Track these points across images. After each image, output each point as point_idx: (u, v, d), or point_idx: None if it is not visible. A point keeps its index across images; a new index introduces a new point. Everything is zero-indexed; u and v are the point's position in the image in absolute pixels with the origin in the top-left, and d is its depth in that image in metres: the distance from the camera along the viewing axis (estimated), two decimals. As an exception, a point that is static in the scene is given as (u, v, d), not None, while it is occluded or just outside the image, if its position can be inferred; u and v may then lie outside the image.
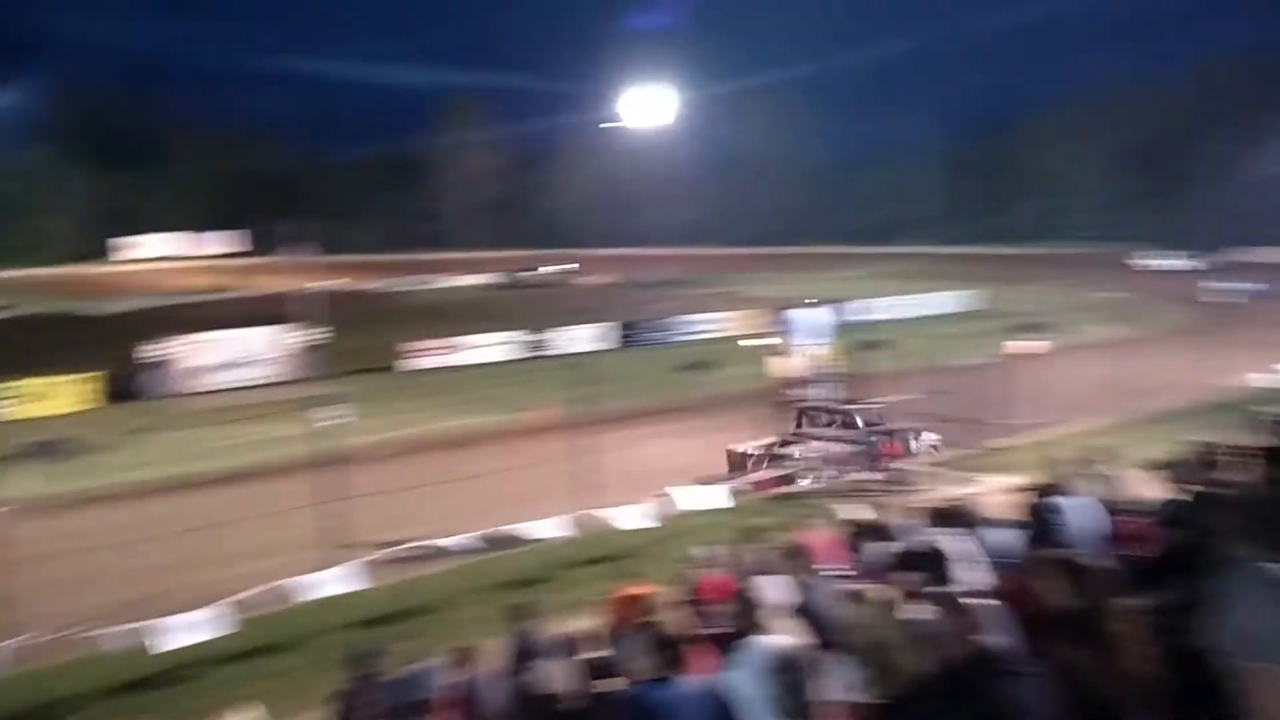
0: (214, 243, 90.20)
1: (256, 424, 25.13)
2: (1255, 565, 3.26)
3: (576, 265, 71.94)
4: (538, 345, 36.69)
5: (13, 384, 28.01)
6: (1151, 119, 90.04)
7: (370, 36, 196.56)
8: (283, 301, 44.55)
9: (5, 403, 27.19)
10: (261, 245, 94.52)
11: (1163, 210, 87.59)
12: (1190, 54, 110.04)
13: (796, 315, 18.79)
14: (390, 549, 12.65)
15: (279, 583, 11.13)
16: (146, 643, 10.02)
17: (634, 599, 7.82)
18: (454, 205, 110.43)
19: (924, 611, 3.33)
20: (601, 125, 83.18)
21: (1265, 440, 6.34)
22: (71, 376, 28.86)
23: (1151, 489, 8.20)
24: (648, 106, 76.64)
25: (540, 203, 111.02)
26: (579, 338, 37.24)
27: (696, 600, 7.49)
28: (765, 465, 17.75)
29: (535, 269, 70.72)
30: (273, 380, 30.87)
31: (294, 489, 17.51)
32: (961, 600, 3.34)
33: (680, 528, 14.32)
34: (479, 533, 13.81)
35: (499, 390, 29.95)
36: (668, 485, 15.91)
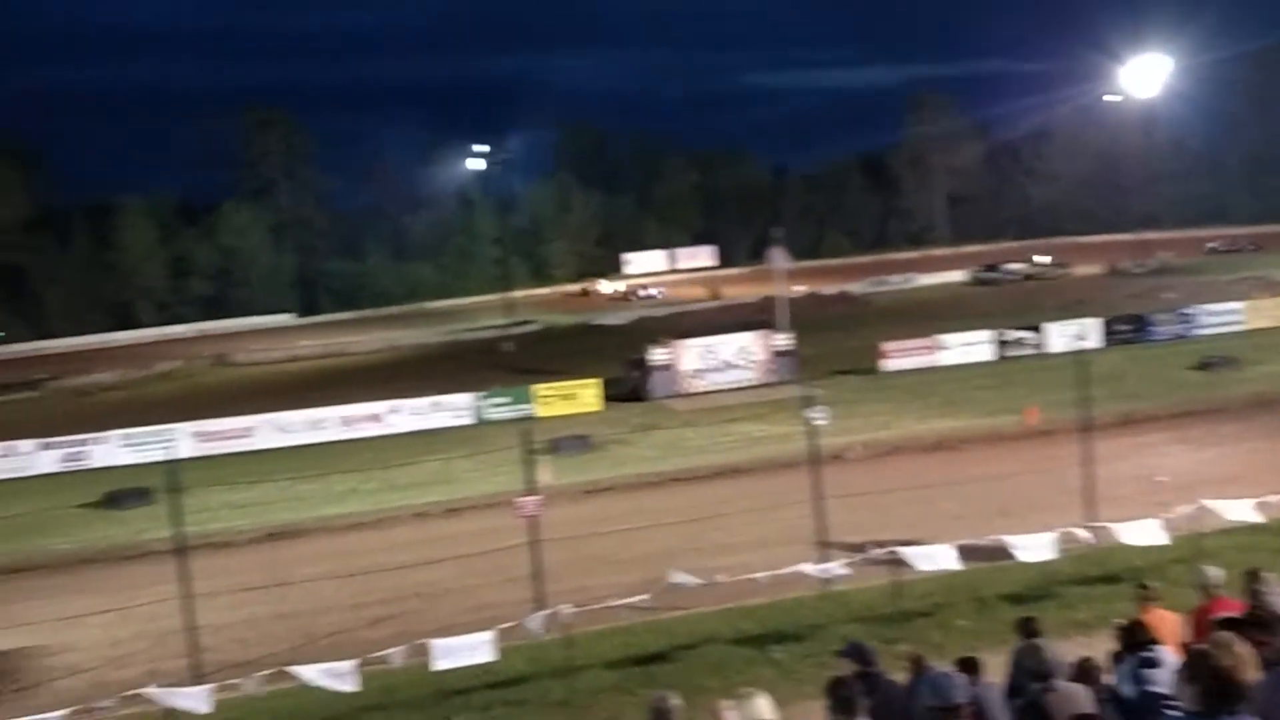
0: (697, 256, 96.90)
1: (744, 423, 26.55)
2: None
3: (1057, 256, 67.06)
4: (1019, 343, 34.74)
5: (544, 386, 32.39)
6: None
7: (834, 43, 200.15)
8: (764, 307, 46.77)
9: (541, 401, 31.48)
10: (744, 255, 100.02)
11: None
12: None
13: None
14: (880, 549, 12.66)
15: (781, 571, 11.64)
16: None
17: (1154, 624, 7.11)
18: (928, 201, 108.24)
19: None
20: (1097, 100, 76.71)
21: None
22: (586, 380, 32.67)
23: None
24: (1141, 78, 69.28)
25: (1020, 191, 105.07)
26: (1065, 334, 34.63)
27: (1249, 626, 6.59)
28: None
29: (1016, 261, 67.04)
30: (757, 382, 32.45)
31: (780, 485, 18.29)
32: None
33: (1205, 547, 12.70)
34: (968, 540, 13.36)
35: (978, 392, 28.83)
36: (1184, 499, 14.19)
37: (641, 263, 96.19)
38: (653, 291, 77.53)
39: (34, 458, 29.27)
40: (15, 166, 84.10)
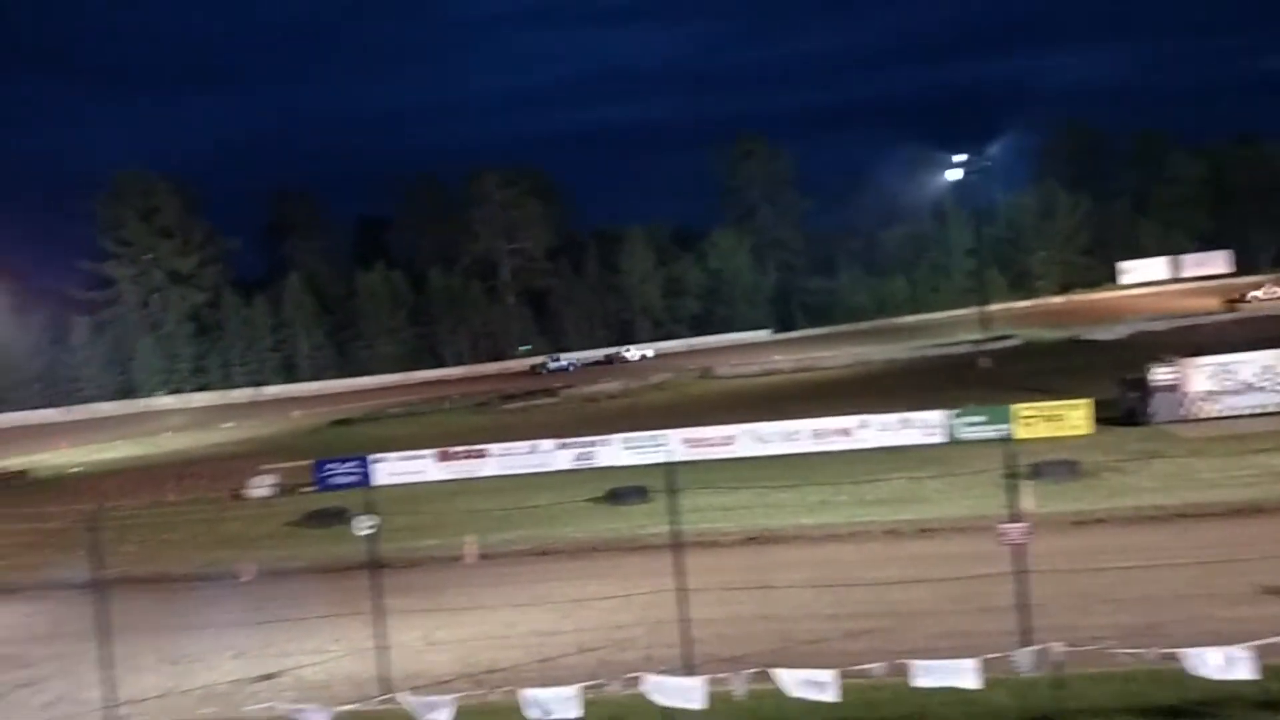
0: (1207, 262, 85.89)
1: (1270, 455, 23.01)
2: None
3: None
4: None
5: (1025, 406, 30.46)
6: None
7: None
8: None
9: (1022, 422, 29.70)
10: (1267, 260, 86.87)
11: None
12: None
13: None
14: None
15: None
16: (1181, 667, 9.75)
17: None
18: None
19: None
20: None
21: None
22: (1072, 400, 30.22)
23: None
24: None
25: None
26: None
27: None
28: None
29: None
30: (1286, 408, 28.02)
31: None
32: None
33: None
34: None
35: None
36: None
37: (1140, 271, 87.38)
38: (564, 363, 75.16)
39: (552, 455, 33.52)
40: (543, 201, 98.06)
